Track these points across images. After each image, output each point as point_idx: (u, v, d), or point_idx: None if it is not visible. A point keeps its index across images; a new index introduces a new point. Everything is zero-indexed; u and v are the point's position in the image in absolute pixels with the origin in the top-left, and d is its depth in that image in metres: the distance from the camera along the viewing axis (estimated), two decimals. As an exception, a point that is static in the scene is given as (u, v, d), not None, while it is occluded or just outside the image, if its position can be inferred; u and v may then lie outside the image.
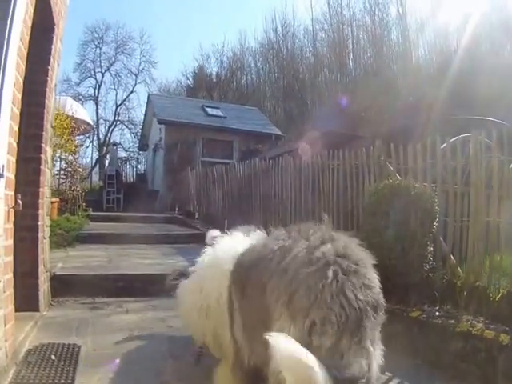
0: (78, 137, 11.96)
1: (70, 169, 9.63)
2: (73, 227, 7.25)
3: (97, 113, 30.00)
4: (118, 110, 30.47)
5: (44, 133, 3.84)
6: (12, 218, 2.78)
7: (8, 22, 2.41)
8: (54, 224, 6.79)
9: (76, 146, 10.19)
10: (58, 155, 8.94)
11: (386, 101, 13.98)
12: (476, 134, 3.58)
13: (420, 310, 3.25)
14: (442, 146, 3.92)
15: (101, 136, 29.74)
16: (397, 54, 20.10)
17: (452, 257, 3.72)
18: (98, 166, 24.81)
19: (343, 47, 23.19)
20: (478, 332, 2.77)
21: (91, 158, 27.84)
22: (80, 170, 10.24)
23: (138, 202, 13.34)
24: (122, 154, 24.74)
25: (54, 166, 8.68)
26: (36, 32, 3.57)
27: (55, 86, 4.33)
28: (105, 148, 26.64)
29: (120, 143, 27.38)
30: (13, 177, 2.74)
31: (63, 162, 9.71)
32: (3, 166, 2.47)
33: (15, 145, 2.74)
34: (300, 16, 37.91)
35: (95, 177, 22.13)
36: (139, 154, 22.12)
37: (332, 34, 24.28)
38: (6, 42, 2.39)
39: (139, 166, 20.09)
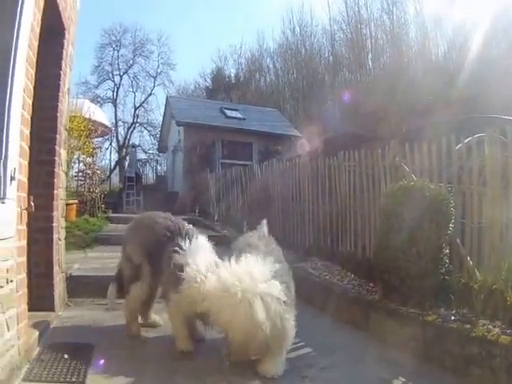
0: (96, 139, 12.10)
1: (88, 171, 9.73)
2: (92, 229, 7.34)
3: (115, 115, 30.28)
4: (137, 112, 30.76)
5: (57, 135, 3.91)
6: (25, 220, 2.83)
7: (15, 30, 2.46)
8: (73, 226, 6.90)
9: (94, 149, 10.31)
10: (75, 157, 9.06)
11: (406, 100, 13.78)
12: (490, 132, 3.48)
13: (436, 314, 3.19)
14: (457, 147, 3.83)
15: (120, 138, 30.00)
16: (416, 53, 19.79)
17: (469, 259, 3.62)
18: (117, 168, 25.08)
19: (362, 47, 22.97)
20: (493, 337, 2.70)
21: (110, 160, 28.09)
22: (98, 171, 10.34)
23: (157, 203, 13.41)
24: (141, 156, 25.05)
25: (72, 167, 8.81)
26: (46, 37, 3.66)
27: (68, 89, 4.40)
28: (124, 150, 26.91)
29: (139, 145, 27.70)
30: (25, 179, 2.80)
31: (81, 164, 9.83)
32: (15, 169, 2.52)
33: (27, 148, 2.81)
34: (318, 16, 37.44)
35: (115, 179, 22.39)
36: (159, 156, 22.31)
37: (350, 33, 24.08)
38: (14, 50, 2.45)
39: (159, 168, 20.27)
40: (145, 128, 30.77)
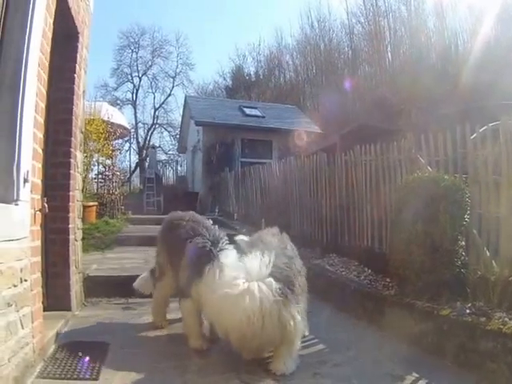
0: (116, 141, 12.24)
1: (107, 172, 9.86)
2: (111, 230, 7.43)
3: (135, 117, 30.63)
4: (157, 113, 31.03)
5: (73, 138, 3.98)
6: (39, 221, 2.89)
7: (27, 36, 2.52)
8: (93, 227, 7.02)
9: (113, 150, 10.43)
10: (95, 159, 9.19)
11: (425, 91, 13.52)
12: (505, 119, 3.39)
13: (451, 308, 3.10)
14: (472, 137, 3.74)
15: (140, 140, 30.35)
16: (435, 43, 19.41)
17: (486, 250, 3.52)
18: (138, 169, 25.34)
19: (381, 39, 22.63)
20: (509, 330, 2.60)
21: (129, 161, 28.35)
22: (118, 173, 10.46)
23: (178, 204, 13.41)
24: (162, 157, 25.26)
25: (91, 170, 8.95)
26: (60, 41, 3.74)
27: (83, 92, 4.48)
28: (144, 151, 27.19)
29: (160, 146, 27.93)
30: (39, 181, 2.86)
31: (101, 166, 9.97)
32: (27, 172, 2.57)
33: (40, 151, 2.87)
34: (335, 10, 37.22)
35: (136, 180, 22.63)
36: (179, 157, 22.43)
37: (369, 26, 23.76)
38: (25, 55, 2.51)
39: (179, 168, 20.39)
40: (165, 129, 31.07)
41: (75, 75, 3.99)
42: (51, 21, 2.95)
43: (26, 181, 2.54)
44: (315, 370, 2.84)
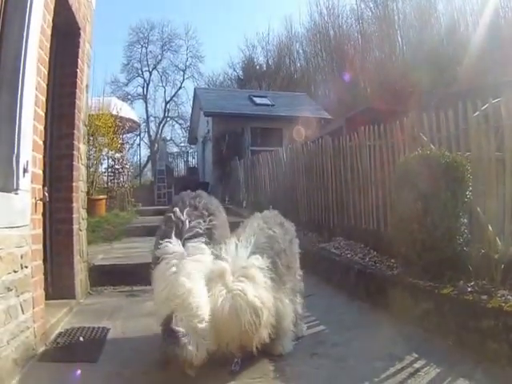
0: (126, 135, 12.30)
1: (117, 166, 9.92)
2: (121, 222, 7.52)
3: (146, 111, 30.89)
4: (168, 106, 31.17)
5: (76, 131, 4.07)
6: (40, 210, 2.95)
7: (25, 33, 2.60)
8: (103, 220, 7.11)
9: (122, 144, 10.50)
10: (104, 153, 9.27)
11: (435, 73, 13.31)
12: (507, 95, 3.31)
13: (453, 287, 3.04)
14: (475, 114, 3.67)
15: (152, 133, 30.55)
16: (444, 26, 19.03)
17: (490, 228, 3.45)
18: (150, 163, 25.50)
19: (390, 23, 22.29)
20: (510, 308, 2.52)
21: (139, 155, 28.32)
22: (127, 166, 10.52)
23: (189, 194, 13.54)
24: (173, 149, 25.36)
25: (101, 164, 9.04)
26: (62, 37, 3.87)
27: (86, 86, 4.56)
28: (156, 145, 27.38)
29: (171, 139, 28.10)
30: (40, 172, 2.94)
31: (110, 160, 10.02)
32: (27, 162, 2.64)
33: (41, 143, 2.94)
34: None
35: (149, 174, 22.79)
36: (190, 148, 22.54)
37: (378, 10, 23.43)
38: (23, 51, 2.59)
39: (190, 160, 20.46)
40: (176, 122, 31.27)
41: (78, 70, 4.09)
42: (50, 18, 3.03)
43: (25, 171, 2.61)
44: (313, 350, 2.83)
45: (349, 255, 4.76)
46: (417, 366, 2.55)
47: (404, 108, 9.64)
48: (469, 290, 2.95)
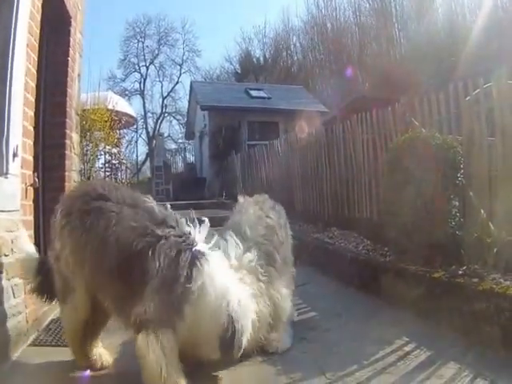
0: (123, 130, 12.22)
1: (114, 161, 9.87)
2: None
3: (144, 106, 30.81)
4: (165, 101, 31.05)
5: (68, 120, 4.09)
6: (31, 196, 2.97)
7: (13, 17, 2.60)
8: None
9: (118, 139, 10.43)
10: (101, 149, 9.18)
11: (433, 65, 13.28)
12: (497, 75, 3.31)
13: (444, 271, 3.02)
14: (467, 98, 3.67)
15: (149, 130, 30.46)
16: (442, 17, 18.96)
17: (483, 212, 3.43)
18: (148, 159, 25.42)
19: (387, 15, 22.21)
20: (501, 290, 2.49)
21: (136, 151, 28.33)
22: (124, 161, 10.45)
23: (187, 190, 13.58)
24: (171, 145, 25.32)
25: (98, 159, 8.97)
26: (53, 26, 3.87)
27: (78, 75, 4.57)
28: (154, 141, 27.34)
29: (169, 135, 28.00)
30: (30, 158, 2.95)
31: (107, 155, 9.94)
32: (17, 146, 2.64)
33: (31, 128, 2.95)
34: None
35: (148, 172, 22.72)
36: (188, 144, 22.50)
37: (375, 3, 23.31)
38: (12, 35, 2.60)
39: (188, 155, 20.43)
40: (173, 117, 31.21)
41: (69, 58, 4.11)
42: (39, 4, 3.02)
43: (15, 155, 2.62)
44: (303, 335, 2.80)
45: (342, 244, 4.77)
46: (407, 349, 2.55)
47: (395, 96, 9.62)
48: (460, 273, 2.93)
